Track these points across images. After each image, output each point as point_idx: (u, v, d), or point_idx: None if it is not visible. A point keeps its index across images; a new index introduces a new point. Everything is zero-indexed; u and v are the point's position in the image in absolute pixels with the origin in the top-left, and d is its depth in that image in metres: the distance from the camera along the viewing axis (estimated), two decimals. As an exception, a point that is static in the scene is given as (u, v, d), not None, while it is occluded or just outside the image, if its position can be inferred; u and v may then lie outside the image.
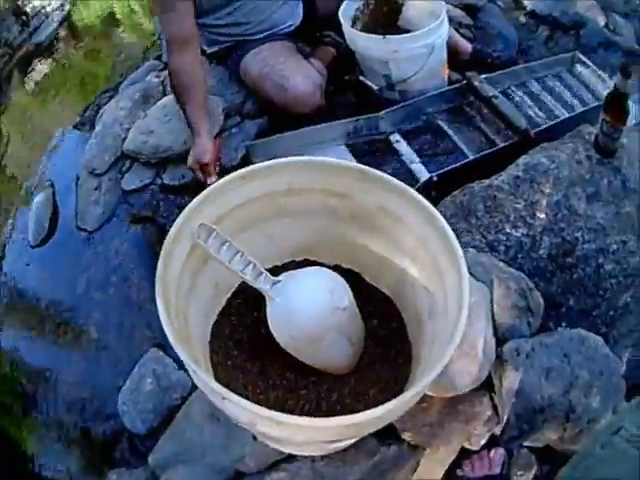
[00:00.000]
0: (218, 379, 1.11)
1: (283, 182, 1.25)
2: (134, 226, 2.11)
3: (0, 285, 2.28)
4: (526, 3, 2.96)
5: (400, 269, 1.29)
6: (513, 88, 2.20)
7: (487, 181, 1.65)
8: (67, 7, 7.76)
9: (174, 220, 1.15)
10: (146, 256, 2.01)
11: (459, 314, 1.00)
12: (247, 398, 0.91)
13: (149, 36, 4.66)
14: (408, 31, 2.14)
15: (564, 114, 2.10)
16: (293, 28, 2.25)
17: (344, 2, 2.13)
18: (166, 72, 2.42)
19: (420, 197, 1.17)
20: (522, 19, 2.87)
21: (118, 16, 6.05)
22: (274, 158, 1.20)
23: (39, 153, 3.22)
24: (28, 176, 3.00)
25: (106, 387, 1.75)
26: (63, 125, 3.52)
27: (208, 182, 1.80)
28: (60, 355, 1.97)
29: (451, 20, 2.43)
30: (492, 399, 1.41)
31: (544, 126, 1.99)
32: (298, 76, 2.00)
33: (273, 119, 2.16)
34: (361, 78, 2.13)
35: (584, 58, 2.35)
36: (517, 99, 2.16)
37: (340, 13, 2.09)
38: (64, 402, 1.84)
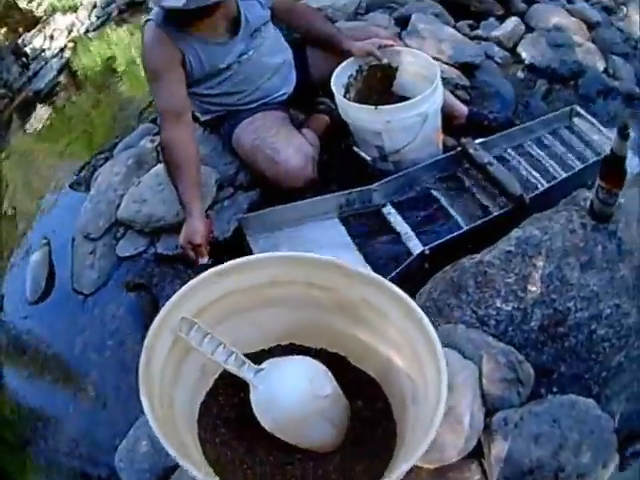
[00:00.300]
0: (206, 455, 1.17)
1: (266, 275, 1.28)
2: (129, 292, 2.15)
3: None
4: (524, 56, 2.98)
5: (385, 357, 1.31)
6: (510, 151, 2.20)
7: (478, 256, 1.66)
8: (67, 53, 7.96)
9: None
10: (141, 323, 2.04)
11: (437, 404, 1.03)
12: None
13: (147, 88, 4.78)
14: (403, 97, 2.18)
15: (561, 174, 2.11)
16: (286, 97, 2.27)
17: (336, 70, 2.14)
18: (158, 138, 2.46)
19: (398, 290, 1.21)
20: (520, 74, 2.89)
21: (119, 66, 6.15)
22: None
23: (37, 202, 3.38)
24: (27, 228, 3.10)
25: (104, 442, 1.79)
26: (63, 174, 3.63)
27: (200, 262, 1.83)
28: (60, 404, 2.02)
29: (447, 82, 2.49)
30: (482, 465, 1.41)
31: (540, 189, 2.00)
32: (290, 149, 2.01)
33: (266, 191, 2.18)
34: (354, 148, 2.13)
35: (582, 111, 2.36)
36: (513, 162, 2.16)
37: (332, 81, 2.10)
38: (64, 448, 1.89)
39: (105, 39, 7.48)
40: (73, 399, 2.00)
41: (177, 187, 1.94)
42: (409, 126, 1.97)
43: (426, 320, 1.15)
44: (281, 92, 2.25)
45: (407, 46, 2.70)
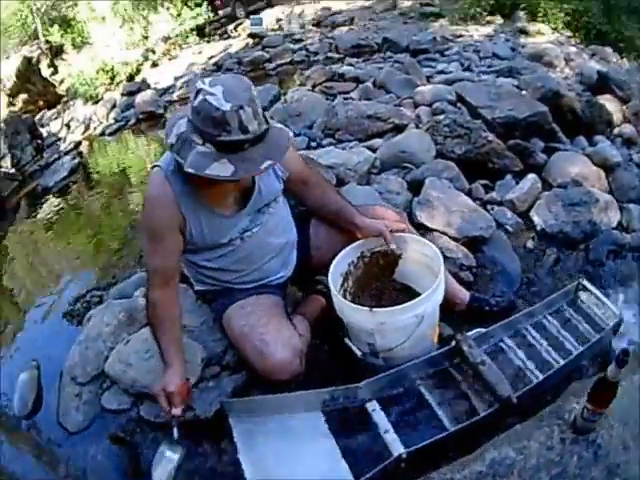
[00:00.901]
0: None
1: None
2: (111, 442, 2.17)
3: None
4: (536, 221, 3.03)
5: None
6: (507, 340, 2.19)
7: (449, 474, 1.65)
8: (81, 148, 8.13)
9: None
10: (120, 472, 2.08)
11: None
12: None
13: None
14: (403, 285, 2.23)
15: (558, 362, 2.10)
16: (284, 280, 2.27)
17: (335, 259, 2.14)
18: None
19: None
20: (530, 244, 2.92)
21: (133, 175, 6.31)
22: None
23: (30, 307, 3.57)
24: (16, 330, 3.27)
25: None
26: (63, 272, 3.96)
27: (172, 412, 1.86)
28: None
29: (452, 263, 2.55)
30: None
31: (532, 384, 1.99)
32: (278, 343, 1.98)
33: (252, 375, 2.15)
34: (346, 341, 2.11)
35: (589, 285, 2.37)
36: (509, 354, 2.15)
37: (330, 271, 2.11)
38: None
39: (122, 144, 7.67)
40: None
41: (159, 343, 1.98)
42: (404, 327, 1.97)
43: None
44: (279, 275, 2.24)
45: (417, 217, 2.79)
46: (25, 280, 4.50)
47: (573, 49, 8.25)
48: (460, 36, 8.73)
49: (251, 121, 1.73)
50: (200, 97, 1.74)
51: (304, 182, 2.24)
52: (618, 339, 2.24)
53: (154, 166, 1.98)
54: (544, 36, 9.09)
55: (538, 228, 2.99)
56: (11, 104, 12.64)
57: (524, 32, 9.30)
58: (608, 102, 4.50)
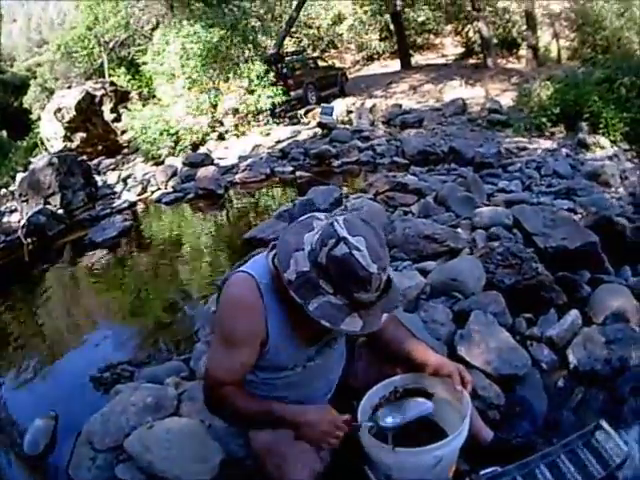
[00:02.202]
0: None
1: None
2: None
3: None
4: (571, 359, 3.03)
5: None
6: (519, 479, 2.19)
7: None
8: (136, 209, 8.22)
9: None
10: None
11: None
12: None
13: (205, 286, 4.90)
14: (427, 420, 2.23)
15: None
16: (322, 402, 2.22)
17: (369, 391, 2.13)
18: (185, 384, 2.61)
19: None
20: (560, 382, 2.93)
21: (186, 246, 6.44)
22: None
23: (65, 344, 3.83)
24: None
25: None
26: (98, 328, 4.15)
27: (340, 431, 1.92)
28: None
29: (482, 400, 2.58)
30: None
31: None
32: (298, 464, 1.93)
33: None
34: (365, 468, 2.07)
35: (607, 426, 2.36)
36: None
37: (361, 404, 2.08)
38: None
39: (178, 216, 7.70)
40: None
41: (261, 422, 1.97)
42: (422, 465, 1.97)
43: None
44: (320, 399, 2.21)
45: (458, 351, 2.85)
46: (60, 324, 4.62)
47: (629, 165, 8.47)
48: (524, 149, 8.96)
49: (385, 280, 1.81)
50: (344, 249, 1.74)
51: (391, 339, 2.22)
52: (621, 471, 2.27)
53: (240, 271, 1.97)
54: (604, 150, 9.26)
55: (571, 366, 2.99)
56: (68, 139, 12.63)
57: (584, 145, 9.48)
58: (659, 224, 4.52)
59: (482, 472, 2.15)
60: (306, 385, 2.14)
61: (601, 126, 10.12)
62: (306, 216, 1.99)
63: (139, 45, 15.59)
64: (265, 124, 12.97)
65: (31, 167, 8.59)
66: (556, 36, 21.41)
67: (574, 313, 3.36)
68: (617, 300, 3.47)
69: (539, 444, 2.41)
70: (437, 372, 2.15)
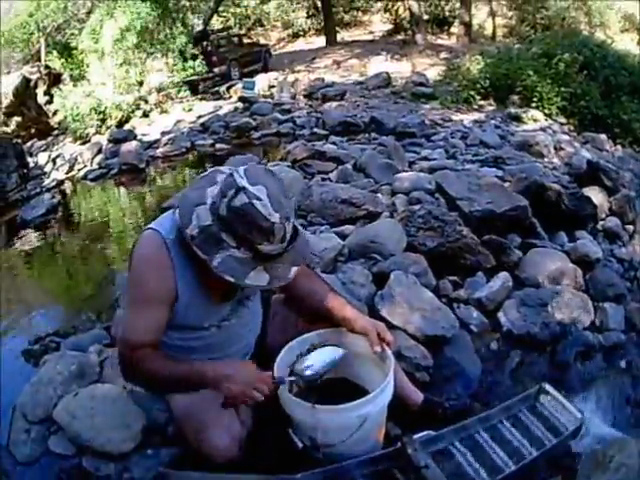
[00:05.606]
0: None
1: None
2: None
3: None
4: (503, 321, 3.04)
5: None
6: (457, 444, 2.17)
7: None
8: (64, 188, 8.54)
9: None
10: None
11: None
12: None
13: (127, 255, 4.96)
14: (351, 383, 2.23)
15: (510, 467, 2.10)
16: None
17: (283, 349, 2.10)
18: (107, 351, 2.61)
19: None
20: (493, 345, 2.93)
21: (112, 225, 6.56)
22: None
23: None
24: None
25: None
26: (30, 306, 4.21)
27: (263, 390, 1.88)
28: None
29: (408, 362, 2.56)
30: None
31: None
32: (217, 428, 1.92)
33: (190, 451, 2.09)
34: (289, 431, 2.06)
35: (551, 389, 2.37)
36: (458, 458, 2.13)
37: (276, 363, 2.03)
38: None
39: (103, 192, 8.10)
40: None
41: (179, 375, 1.91)
42: (346, 426, 1.95)
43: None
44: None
45: (378, 312, 2.83)
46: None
47: (565, 137, 8.48)
48: (449, 120, 8.98)
49: (290, 231, 1.78)
50: (244, 199, 1.72)
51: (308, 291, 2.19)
52: (578, 443, 2.27)
53: (148, 228, 1.94)
54: (537, 123, 9.36)
55: (504, 329, 2.99)
56: (4, 124, 13.17)
57: (516, 118, 9.57)
58: (595, 194, 4.60)
59: (415, 436, 2.10)
60: (223, 346, 2.11)
61: (535, 99, 10.26)
62: (209, 170, 1.98)
63: (74, 28, 15.84)
64: (187, 100, 13.43)
65: (-33, 152, 8.82)
66: (492, 14, 21.78)
67: (503, 275, 3.37)
68: (551, 264, 3.51)
69: (475, 408, 2.41)
70: (353, 328, 2.12)
